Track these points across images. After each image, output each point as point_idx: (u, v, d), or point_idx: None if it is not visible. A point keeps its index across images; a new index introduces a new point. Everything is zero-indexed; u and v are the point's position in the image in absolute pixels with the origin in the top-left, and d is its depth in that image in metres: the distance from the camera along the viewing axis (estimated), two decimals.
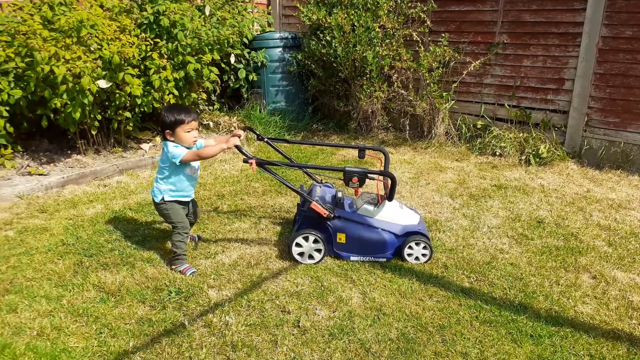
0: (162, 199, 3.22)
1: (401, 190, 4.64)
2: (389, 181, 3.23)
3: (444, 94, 6.01)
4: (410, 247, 3.33)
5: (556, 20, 5.49)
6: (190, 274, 3.17)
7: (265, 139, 3.71)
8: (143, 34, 5.22)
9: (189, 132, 3.13)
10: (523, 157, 5.47)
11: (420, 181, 4.90)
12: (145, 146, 5.46)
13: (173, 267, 3.22)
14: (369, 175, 3.14)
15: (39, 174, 4.55)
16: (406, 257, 3.34)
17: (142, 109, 5.16)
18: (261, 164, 3.19)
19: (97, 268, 3.22)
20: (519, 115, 5.83)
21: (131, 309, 2.81)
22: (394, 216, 3.39)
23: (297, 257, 3.34)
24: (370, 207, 3.38)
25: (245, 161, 3.16)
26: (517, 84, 5.84)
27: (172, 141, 3.14)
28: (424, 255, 3.35)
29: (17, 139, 4.90)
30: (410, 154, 5.80)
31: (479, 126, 6.05)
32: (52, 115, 4.77)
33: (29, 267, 3.22)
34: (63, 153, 5.08)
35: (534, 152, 5.43)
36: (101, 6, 5.30)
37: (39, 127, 4.94)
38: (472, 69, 6.00)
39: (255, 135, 3.77)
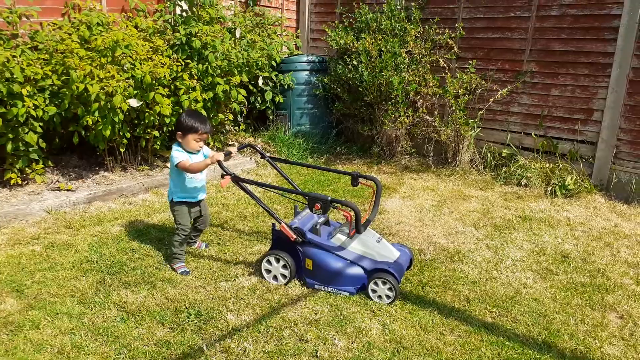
0: (172, 199, 3.52)
1: (424, 218, 4.59)
2: (353, 213, 3.14)
3: (470, 121, 5.96)
4: (375, 284, 3.17)
5: (586, 50, 5.42)
6: (181, 272, 3.45)
7: (267, 157, 3.87)
8: (175, 55, 5.33)
9: (197, 141, 3.39)
10: (549, 188, 5.36)
11: (443, 209, 4.84)
12: None
13: (171, 264, 3.54)
14: (332, 203, 3.12)
15: (68, 190, 4.64)
16: (370, 293, 3.20)
17: (170, 128, 5.25)
18: (237, 180, 3.35)
19: (119, 287, 3.25)
20: (545, 145, 5.74)
21: (150, 330, 2.82)
22: (366, 250, 3.30)
23: (268, 278, 3.37)
24: (343, 237, 3.33)
25: (222, 176, 3.33)
26: (545, 113, 5.77)
27: (179, 143, 3.39)
28: (387, 296, 3.15)
29: (49, 154, 5.02)
30: (433, 181, 5.75)
31: (504, 155, 5.97)
32: (83, 132, 4.88)
33: (53, 282, 3.27)
34: (91, 169, 5.19)
35: (560, 184, 5.33)
36: (136, 27, 5.44)
37: (69, 143, 5.06)
38: (498, 96, 5.95)
39: (260, 154, 3.91)
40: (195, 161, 3.39)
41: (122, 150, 5.12)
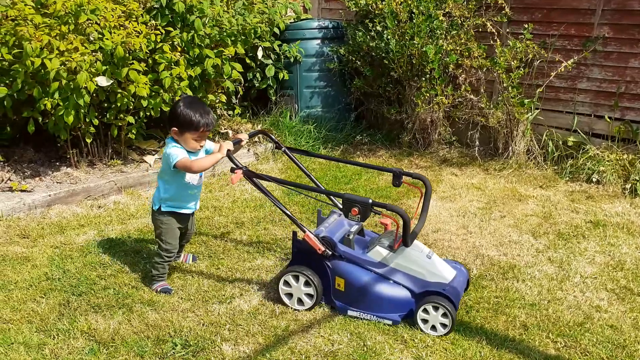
0: (159, 208, 3.48)
1: (468, 225, 4.58)
2: (400, 220, 3.12)
3: (526, 101, 5.94)
4: (425, 311, 3.15)
5: None
6: (161, 291, 3.50)
7: (283, 148, 3.88)
8: (153, 21, 5.37)
9: (198, 140, 3.36)
10: (627, 186, 5.34)
11: (493, 213, 4.84)
12: (149, 159, 5.58)
13: (152, 287, 3.55)
14: (373, 207, 3.08)
15: (22, 190, 4.70)
16: (419, 322, 3.18)
17: (148, 113, 5.29)
18: (250, 176, 3.33)
19: (87, 310, 3.29)
20: (622, 131, 5.71)
21: None
22: (415, 267, 3.28)
23: (286, 300, 3.40)
24: (384, 251, 3.33)
25: (232, 170, 3.30)
26: (622, 91, 5.73)
27: (176, 140, 3.35)
28: (441, 325, 3.13)
29: None
30: (480, 177, 5.74)
31: (570, 143, 5.95)
32: (40, 119, 4.94)
33: (6, 305, 3.32)
34: (51, 165, 5.25)
35: None
36: None
37: (24, 132, 5.12)
38: (562, 69, 5.91)
39: (274, 144, 3.93)
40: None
41: (88, 140, 5.17)
